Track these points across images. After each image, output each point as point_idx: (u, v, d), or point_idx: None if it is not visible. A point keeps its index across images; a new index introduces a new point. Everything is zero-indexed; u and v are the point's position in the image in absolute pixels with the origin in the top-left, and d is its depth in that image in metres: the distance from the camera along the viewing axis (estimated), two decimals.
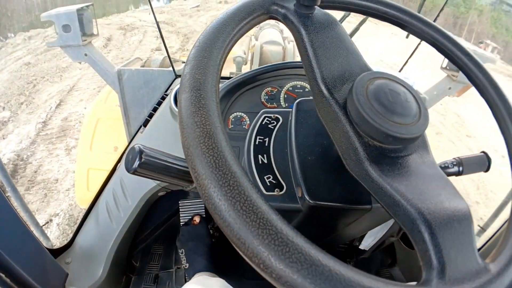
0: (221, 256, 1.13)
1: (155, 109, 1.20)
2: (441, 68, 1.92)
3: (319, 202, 0.54)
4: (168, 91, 1.22)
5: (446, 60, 1.90)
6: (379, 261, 1.56)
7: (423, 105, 0.47)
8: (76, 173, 2.06)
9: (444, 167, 0.74)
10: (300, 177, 0.55)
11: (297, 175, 0.56)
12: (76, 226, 1.23)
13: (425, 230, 0.38)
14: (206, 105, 0.37)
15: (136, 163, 0.47)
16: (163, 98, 1.19)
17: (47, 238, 1.25)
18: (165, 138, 1.16)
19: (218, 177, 0.32)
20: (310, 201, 0.53)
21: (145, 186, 1.14)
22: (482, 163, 0.73)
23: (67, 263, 1.11)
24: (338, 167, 0.50)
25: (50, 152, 3.90)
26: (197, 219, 1.17)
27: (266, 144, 0.62)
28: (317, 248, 0.31)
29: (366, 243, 1.05)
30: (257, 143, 0.62)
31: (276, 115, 0.67)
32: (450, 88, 1.89)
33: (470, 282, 0.36)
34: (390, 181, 0.42)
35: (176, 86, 1.12)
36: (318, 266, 0.29)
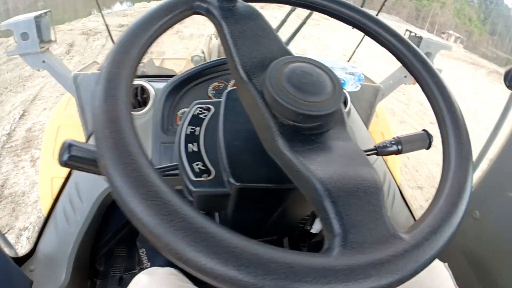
0: None
1: None
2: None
3: (245, 184, 0.56)
4: None
5: None
6: None
7: (338, 84, 0.49)
8: (40, 183, 2.02)
9: (383, 146, 0.76)
10: (226, 162, 0.57)
11: (223, 160, 0.58)
12: (37, 233, 1.22)
13: (327, 200, 0.39)
14: (115, 95, 0.40)
15: (66, 156, 0.48)
16: None
17: (10, 246, 1.24)
18: None
19: (115, 156, 0.34)
20: (236, 183, 0.56)
21: (99, 187, 1.15)
22: (423, 140, 0.76)
23: (31, 270, 1.11)
24: (263, 150, 0.51)
25: (15, 164, 3.82)
26: None
27: (197, 133, 0.64)
28: (203, 217, 0.32)
29: (317, 227, 1.08)
30: (188, 132, 0.64)
31: (208, 106, 0.69)
32: (405, 76, 1.95)
33: (378, 249, 0.37)
34: (300, 156, 0.44)
35: None
36: (202, 233, 0.31)
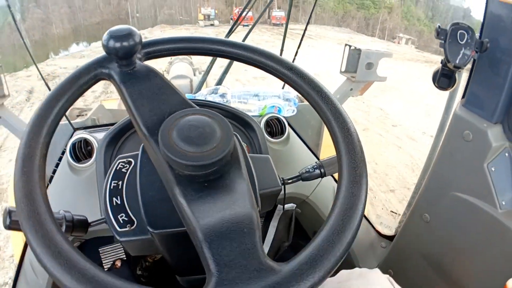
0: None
1: (57, 165, 1.21)
2: (340, 72, 2.06)
3: (161, 230, 0.62)
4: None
5: (344, 64, 2.05)
6: None
7: (227, 131, 0.54)
8: (12, 236, 2.00)
9: (305, 172, 0.81)
10: (143, 211, 0.63)
11: (141, 210, 0.63)
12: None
13: (204, 244, 0.46)
14: (28, 172, 0.49)
15: (8, 221, 0.55)
16: (63, 153, 1.20)
17: None
18: (65, 194, 1.16)
19: (30, 226, 0.45)
20: (153, 230, 0.61)
21: None
22: None
23: None
24: None
25: None
26: (118, 263, 1.18)
27: (120, 187, 0.69)
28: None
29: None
30: (111, 187, 0.69)
31: (129, 159, 0.73)
32: (351, 89, 2.03)
33: (249, 284, 0.42)
34: (191, 205, 0.50)
35: (71, 140, 1.15)
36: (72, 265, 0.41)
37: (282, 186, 0.78)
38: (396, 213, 4.24)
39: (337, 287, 0.82)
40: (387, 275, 0.83)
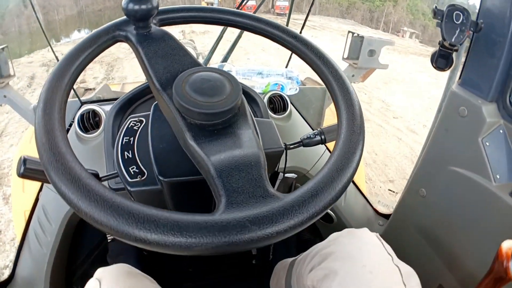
0: (154, 266, 1.19)
1: None
2: (343, 59, 2.09)
3: (171, 179, 0.67)
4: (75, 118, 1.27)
5: (347, 51, 2.08)
6: (307, 241, 1.69)
7: (236, 85, 0.60)
8: (14, 217, 2.02)
9: (307, 138, 0.86)
10: (154, 162, 0.68)
11: (152, 161, 0.69)
12: (14, 258, 1.27)
13: (216, 176, 0.50)
14: (50, 113, 0.53)
15: (22, 169, 0.60)
16: (71, 125, 1.25)
17: None
18: None
19: (49, 156, 0.47)
20: (163, 179, 0.66)
21: (64, 207, 1.19)
22: None
23: None
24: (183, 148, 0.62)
25: None
26: None
27: (131, 143, 0.75)
28: (116, 194, 0.45)
29: None
30: (123, 142, 0.75)
31: (141, 118, 0.80)
32: (353, 76, 2.06)
33: (255, 207, 0.47)
34: (202, 147, 0.54)
35: (79, 111, 1.19)
36: (110, 203, 0.43)
37: (284, 151, 0.83)
38: (394, 192, 4.30)
39: (326, 245, 0.87)
40: (376, 233, 0.88)
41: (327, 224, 1.55)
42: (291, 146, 0.86)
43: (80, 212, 0.44)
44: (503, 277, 0.74)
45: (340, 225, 1.51)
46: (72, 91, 1.41)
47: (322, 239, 1.69)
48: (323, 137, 0.86)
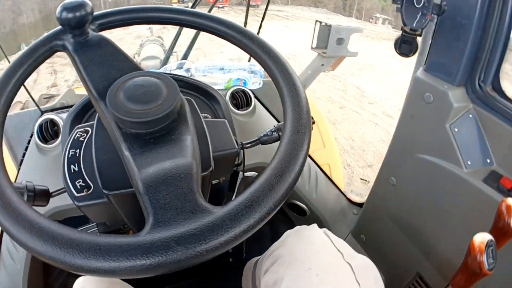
0: None
1: (27, 148, 1.22)
2: (311, 48, 2.07)
3: (115, 192, 0.63)
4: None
5: (315, 40, 2.06)
6: (281, 235, 1.66)
7: (173, 89, 0.56)
8: None
9: (264, 135, 0.82)
10: (97, 174, 0.64)
11: (96, 174, 0.65)
12: None
13: (143, 192, 0.48)
14: None
15: None
16: (32, 136, 1.21)
17: None
18: (35, 175, 1.17)
19: None
20: (107, 192, 0.63)
21: None
22: None
23: None
24: None
25: None
26: None
27: (77, 155, 0.71)
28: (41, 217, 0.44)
29: None
30: (70, 155, 0.71)
31: (87, 128, 0.75)
32: (322, 65, 2.04)
33: (183, 224, 0.44)
34: (134, 158, 0.51)
35: (38, 121, 1.16)
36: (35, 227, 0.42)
37: (241, 151, 0.81)
38: (366, 181, 4.33)
39: (278, 246, 0.85)
40: (324, 229, 0.86)
41: (300, 217, 1.53)
42: (248, 145, 0.83)
43: (12, 237, 0.43)
44: (477, 272, 0.71)
45: (313, 217, 1.49)
46: (31, 100, 1.37)
47: None
48: (280, 133, 0.82)
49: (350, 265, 0.75)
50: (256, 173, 1.20)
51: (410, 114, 1.11)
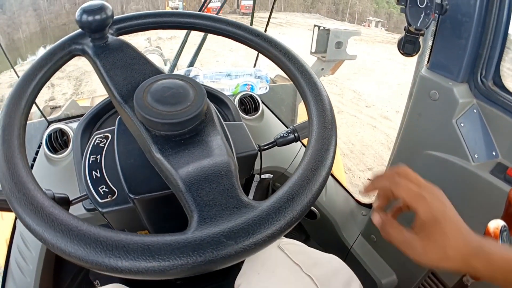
0: (142, 282, 1.15)
1: (34, 159, 1.22)
2: (311, 53, 2.10)
3: (142, 195, 0.63)
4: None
5: (314, 45, 2.08)
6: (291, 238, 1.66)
7: (200, 91, 0.57)
8: None
9: (280, 137, 0.84)
10: (123, 179, 0.64)
11: (121, 179, 0.65)
12: None
13: (185, 190, 0.47)
14: (9, 139, 0.51)
15: None
16: (40, 147, 1.20)
17: None
18: (44, 186, 1.13)
19: (11, 186, 0.46)
20: (134, 196, 0.63)
21: None
22: None
23: None
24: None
25: None
26: None
27: (98, 161, 0.71)
28: (80, 221, 0.42)
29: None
30: (90, 161, 0.70)
31: (106, 134, 0.75)
32: (322, 69, 2.07)
33: (229, 220, 0.44)
34: (169, 159, 0.51)
35: (47, 131, 1.15)
36: (76, 231, 0.41)
37: (259, 153, 0.80)
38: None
39: (246, 260, 0.84)
40: (280, 242, 0.85)
41: (311, 220, 1.54)
42: (265, 147, 0.84)
43: (47, 244, 0.41)
44: None
45: (324, 220, 1.49)
46: (38, 111, 1.35)
47: (307, 235, 1.70)
48: (296, 134, 0.84)
49: (311, 277, 0.75)
50: (272, 175, 1.21)
51: (418, 112, 1.12)
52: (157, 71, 0.64)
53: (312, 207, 1.46)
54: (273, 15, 2.11)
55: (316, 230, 1.60)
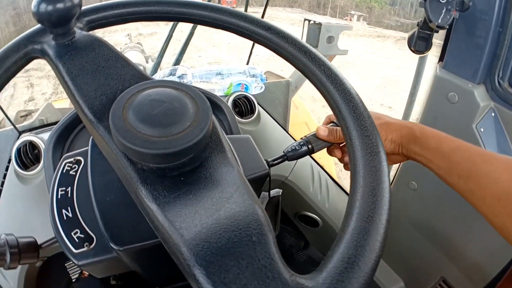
0: None
1: (5, 176, 1.06)
2: None
3: (127, 246, 0.48)
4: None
5: (304, 40, 2.01)
6: (292, 247, 1.59)
7: (203, 103, 0.42)
8: None
9: (292, 150, 0.69)
10: (101, 223, 0.49)
11: (99, 222, 0.50)
12: None
13: (196, 268, 0.32)
14: None
15: None
16: (10, 161, 1.05)
17: None
18: (16, 207, 1.02)
19: None
20: (118, 248, 0.48)
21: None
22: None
23: None
24: None
25: None
26: (86, 272, 1.10)
27: (69, 195, 0.54)
28: None
29: None
30: (59, 196, 0.54)
31: (77, 158, 0.58)
32: None
33: None
34: (164, 208, 0.37)
35: (15, 144, 0.99)
36: None
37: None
38: None
39: None
40: None
41: (312, 229, 1.46)
42: (274, 162, 0.68)
43: None
44: None
45: (326, 228, 1.42)
46: (6, 120, 1.20)
47: (306, 243, 1.63)
48: (310, 146, 0.69)
49: None
50: (280, 190, 1.08)
51: (433, 115, 1.06)
52: (140, 76, 0.49)
53: (315, 215, 1.38)
54: (255, 10, 2.00)
55: (318, 237, 1.53)
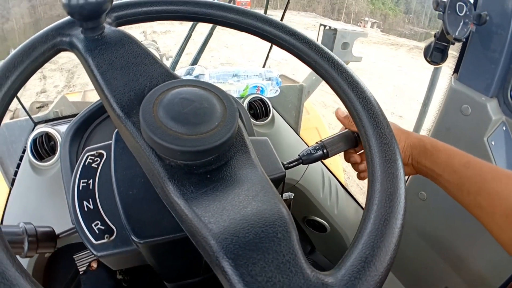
0: None
1: (19, 165, 1.07)
2: None
3: (149, 240, 0.49)
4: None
5: None
6: None
7: (230, 105, 0.43)
8: None
9: (307, 154, 0.70)
10: (123, 217, 0.50)
11: (121, 215, 0.50)
12: None
13: (225, 260, 0.33)
14: None
15: None
16: (24, 151, 1.05)
17: None
18: (30, 198, 1.02)
19: None
20: (139, 241, 0.48)
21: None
22: (349, 139, 0.72)
23: None
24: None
25: None
26: (94, 265, 1.10)
27: (91, 187, 0.55)
28: None
29: None
30: (80, 188, 0.55)
31: (100, 151, 0.59)
32: None
33: None
34: (193, 205, 0.38)
35: (31, 135, 0.99)
36: None
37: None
38: None
39: None
40: None
41: (320, 234, 1.47)
42: (290, 165, 0.68)
43: None
44: None
45: (334, 234, 1.42)
46: (23, 109, 1.21)
47: (313, 248, 1.63)
48: (325, 151, 0.70)
49: None
50: (292, 194, 1.10)
51: (446, 126, 1.07)
52: (168, 74, 0.50)
53: (323, 221, 1.39)
54: (269, 13, 2.02)
55: (325, 243, 1.53)
